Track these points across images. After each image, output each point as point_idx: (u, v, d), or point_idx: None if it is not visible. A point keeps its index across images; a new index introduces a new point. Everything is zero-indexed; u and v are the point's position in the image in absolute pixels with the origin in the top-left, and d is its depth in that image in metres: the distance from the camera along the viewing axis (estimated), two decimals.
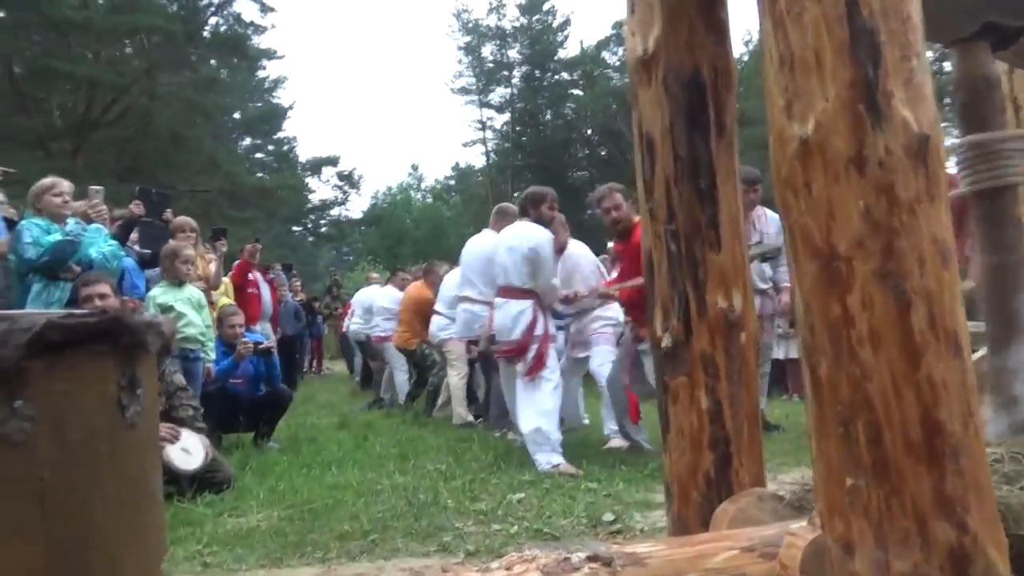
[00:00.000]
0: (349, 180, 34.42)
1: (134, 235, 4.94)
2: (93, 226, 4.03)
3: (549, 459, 3.99)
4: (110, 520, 1.67)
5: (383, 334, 7.96)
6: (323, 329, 13.52)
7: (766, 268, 4.90)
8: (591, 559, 1.53)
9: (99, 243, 3.93)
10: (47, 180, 3.98)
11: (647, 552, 1.49)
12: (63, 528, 1.59)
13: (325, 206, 36.06)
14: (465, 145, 47.59)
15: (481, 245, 5.52)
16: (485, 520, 3.07)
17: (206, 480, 3.55)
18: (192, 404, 3.96)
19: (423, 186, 44.97)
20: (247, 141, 32.23)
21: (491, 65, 34.22)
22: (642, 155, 1.85)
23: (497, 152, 35.35)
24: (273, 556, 2.63)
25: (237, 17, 24.15)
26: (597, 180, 32.54)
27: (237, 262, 7.21)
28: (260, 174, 28.46)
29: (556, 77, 33.14)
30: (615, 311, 4.86)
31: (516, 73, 33.77)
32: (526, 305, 4.24)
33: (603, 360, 4.68)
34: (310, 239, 38.18)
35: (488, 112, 34.93)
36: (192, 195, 23.01)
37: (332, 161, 32.62)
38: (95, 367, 1.67)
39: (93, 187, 4.33)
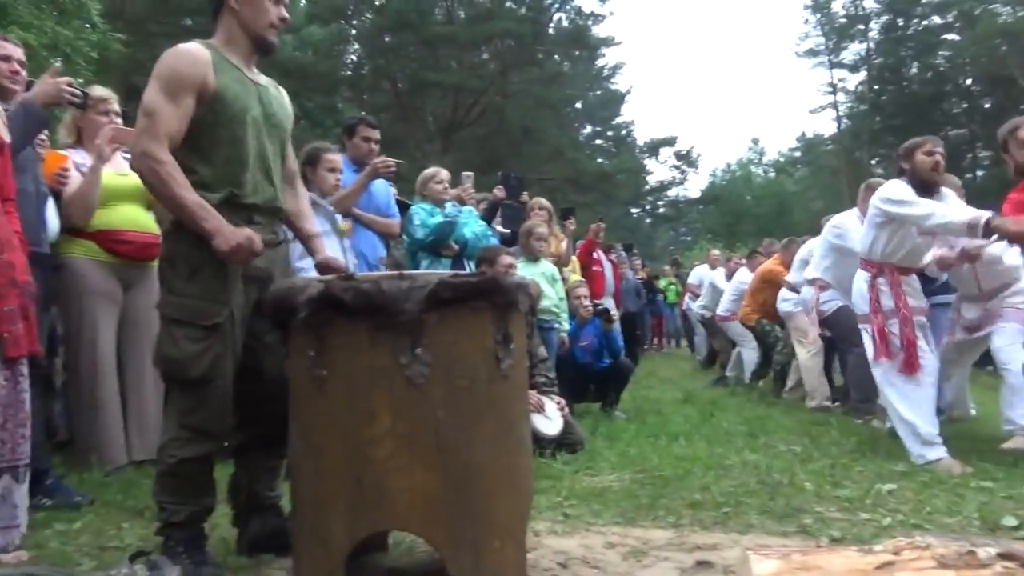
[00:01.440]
0: (686, 159, 34.07)
1: (497, 216, 5.46)
2: (466, 208, 4.54)
3: (924, 453, 3.50)
4: (489, 459, 1.86)
5: (726, 313, 7.78)
6: (664, 308, 13.63)
7: None
8: (1004, 556, 1.29)
9: (472, 223, 4.42)
10: (430, 170, 4.58)
11: None
12: (453, 461, 1.81)
13: (662, 187, 36.22)
14: (812, 112, 44.32)
15: (840, 223, 5.06)
16: (850, 508, 2.81)
17: (562, 441, 3.80)
18: (548, 375, 4.29)
19: (764, 160, 42.87)
20: (588, 129, 33.72)
21: (843, 20, 31.13)
22: None
23: (850, 116, 32.16)
24: (627, 515, 2.71)
25: (578, 10, 25.32)
26: (979, 137, 27.83)
27: (582, 241, 7.54)
28: (600, 159, 29.60)
29: (924, 23, 28.96)
30: None
31: (873, 25, 30.28)
32: (866, 276, 3.76)
33: (1010, 340, 3.86)
34: (648, 220, 38.80)
35: (839, 73, 31.93)
36: (540, 183, 24.82)
37: (669, 142, 32.61)
38: (476, 322, 1.86)
39: (465, 173, 4.90)
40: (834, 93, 32.06)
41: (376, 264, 3.85)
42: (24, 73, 2.97)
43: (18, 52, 2.97)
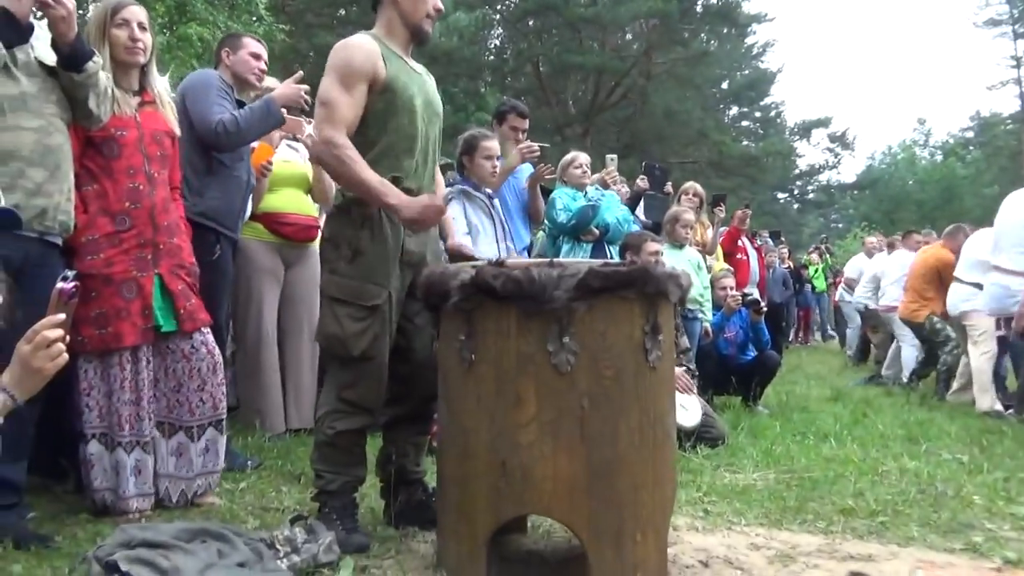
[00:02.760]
0: (841, 142, 32.14)
1: (640, 205, 5.37)
2: (608, 193, 4.50)
3: None
4: (634, 451, 1.84)
5: (892, 303, 7.25)
6: (811, 299, 12.93)
7: None
8: None
9: (614, 208, 4.38)
10: (569, 155, 4.58)
11: None
12: (598, 452, 1.80)
13: (813, 171, 34.37)
14: (991, 89, 40.35)
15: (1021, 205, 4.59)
16: None
17: (702, 435, 3.70)
18: (690, 366, 4.19)
19: (931, 142, 39.55)
20: (734, 110, 32.43)
21: None
22: None
23: None
24: (772, 517, 2.60)
25: None
26: None
27: (727, 228, 7.27)
28: (746, 142, 28.44)
29: None
30: None
31: None
32: None
33: None
34: (795, 206, 36.91)
35: None
36: (682, 167, 24.20)
37: (823, 123, 30.85)
38: (624, 312, 1.84)
39: (608, 156, 4.85)
40: (1018, 67, 29.04)
41: (521, 252, 3.89)
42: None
43: (265, 52, 3.23)
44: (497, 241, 3.53)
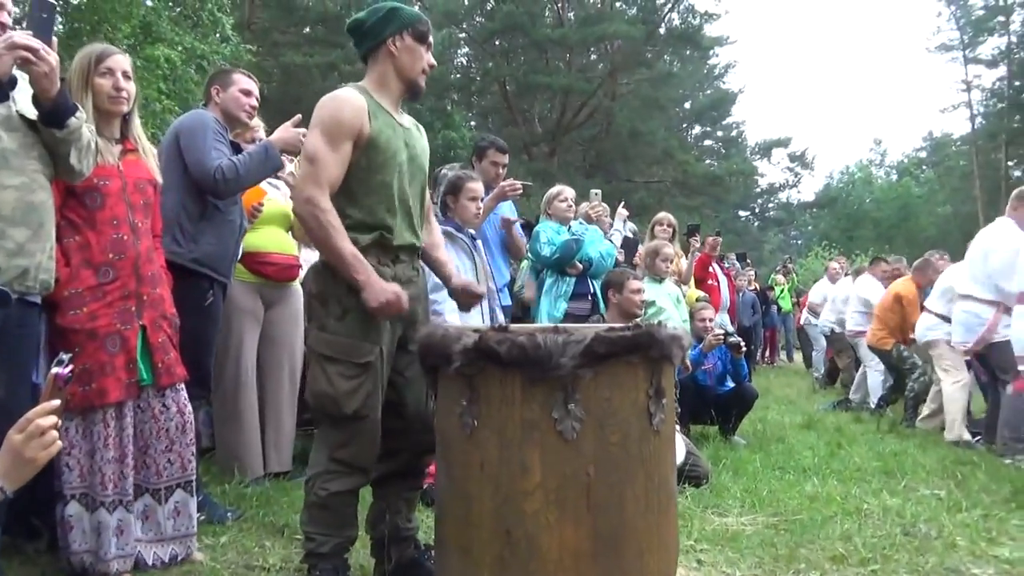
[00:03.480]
0: (801, 161, 32.84)
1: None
2: (592, 228, 4.51)
3: None
4: (640, 517, 1.82)
5: (858, 327, 7.38)
6: (776, 320, 13.13)
7: None
8: None
9: (597, 242, 4.39)
10: (555, 189, 4.59)
11: None
12: (604, 519, 1.78)
13: (774, 190, 35.08)
14: (943, 111, 41.79)
15: (993, 236, 4.72)
16: (1011, 572, 2.61)
17: (687, 474, 3.70)
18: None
19: (887, 162, 40.65)
20: (696, 129, 33.00)
21: (981, 12, 29.11)
22: None
23: (986, 115, 30.03)
24: (765, 567, 2.60)
25: (691, 9, 24.77)
26: None
27: (699, 255, 7.36)
28: (709, 161, 28.90)
29: None
30: None
31: (1015, 18, 28.16)
32: None
33: None
34: (756, 223, 37.58)
35: (975, 69, 29.91)
36: (647, 186, 24.50)
37: (783, 143, 31.52)
38: (629, 376, 1.82)
39: (593, 191, 4.87)
40: (968, 91, 30.07)
41: (503, 289, 3.88)
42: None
43: (256, 88, 3.16)
44: (479, 281, 3.51)
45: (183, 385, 2.55)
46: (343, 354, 2.15)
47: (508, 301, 3.96)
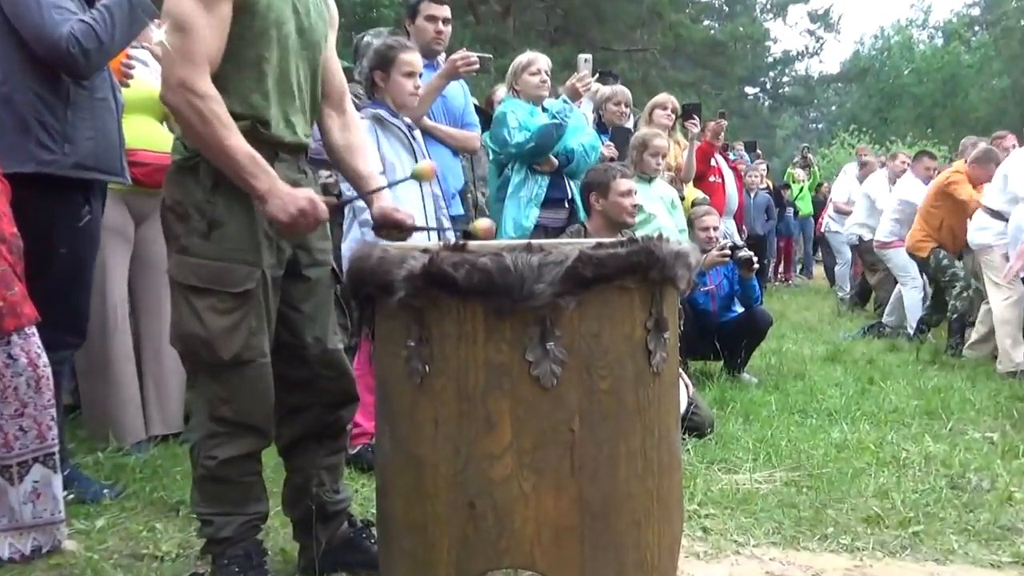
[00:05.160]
0: (824, 22, 32.82)
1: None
2: (576, 112, 4.41)
3: None
4: (636, 480, 1.85)
5: (887, 237, 7.55)
6: (793, 227, 13.34)
7: None
8: None
9: (580, 132, 4.33)
10: (524, 57, 4.47)
11: None
12: (592, 485, 1.80)
13: (790, 59, 35.13)
14: None
15: None
16: None
17: (686, 423, 3.78)
18: None
19: (930, 23, 40.80)
20: None
21: None
22: None
23: None
24: (786, 533, 2.71)
25: None
26: None
27: (698, 146, 7.38)
28: (708, 22, 28.69)
29: None
30: None
31: None
32: None
33: None
34: (767, 103, 37.79)
35: None
36: (629, 56, 24.23)
37: None
38: (623, 306, 1.82)
39: (582, 55, 4.73)
40: None
41: (455, 196, 3.82)
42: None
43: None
44: (420, 186, 3.45)
45: (34, 329, 2.49)
46: (213, 282, 2.10)
47: (460, 210, 3.92)
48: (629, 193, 4.12)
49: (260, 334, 2.17)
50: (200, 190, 2.11)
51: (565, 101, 4.36)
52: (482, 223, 2.38)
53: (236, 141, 2.03)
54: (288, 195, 2.06)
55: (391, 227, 2.34)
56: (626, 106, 5.64)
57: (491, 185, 4.50)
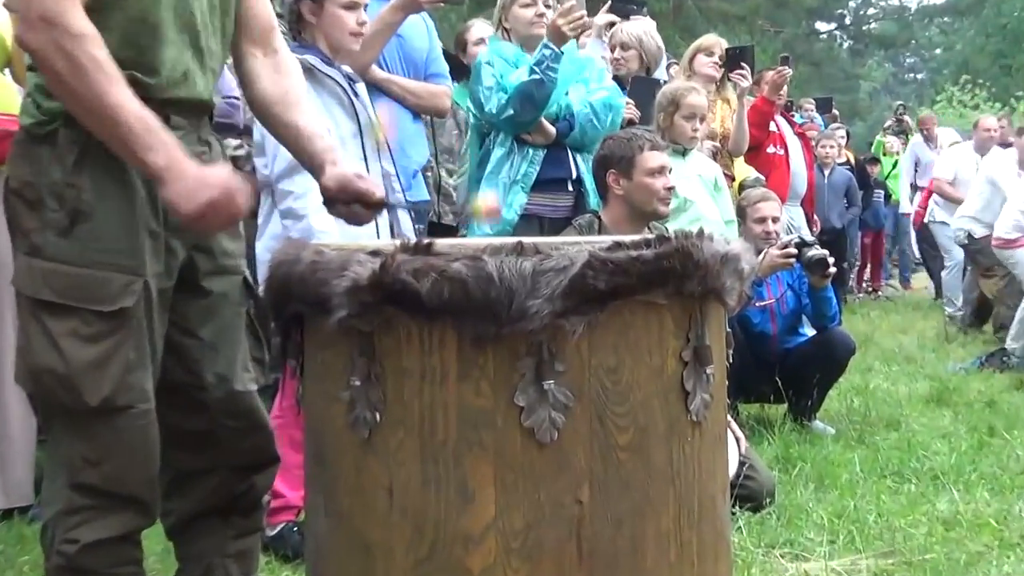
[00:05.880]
0: None
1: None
2: (587, 57, 4.42)
3: None
4: (668, 571, 1.88)
5: (1008, 235, 7.62)
6: (883, 216, 13.38)
7: None
8: None
9: (583, 84, 4.35)
10: None
11: None
12: None
13: None
14: None
15: None
16: None
17: (737, 491, 3.81)
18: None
19: None
20: None
21: None
22: None
23: None
24: None
25: None
26: None
27: (751, 103, 7.41)
28: None
29: None
30: None
31: None
32: None
33: None
34: (846, 45, 38.06)
35: None
36: None
37: None
38: (649, 329, 1.85)
39: None
40: None
41: (416, 175, 3.85)
42: None
43: None
44: (366, 156, 3.47)
45: None
46: (75, 297, 2.10)
47: (425, 195, 3.93)
48: (662, 171, 4.12)
49: (140, 370, 2.17)
50: (58, 168, 2.11)
51: (547, 46, 4.31)
52: (485, 199, 2.39)
53: (122, 97, 2.02)
54: (197, 175, 2.06)
55: (352, 200, 2.35)
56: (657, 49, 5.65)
57: (471, 160, 4.51)
